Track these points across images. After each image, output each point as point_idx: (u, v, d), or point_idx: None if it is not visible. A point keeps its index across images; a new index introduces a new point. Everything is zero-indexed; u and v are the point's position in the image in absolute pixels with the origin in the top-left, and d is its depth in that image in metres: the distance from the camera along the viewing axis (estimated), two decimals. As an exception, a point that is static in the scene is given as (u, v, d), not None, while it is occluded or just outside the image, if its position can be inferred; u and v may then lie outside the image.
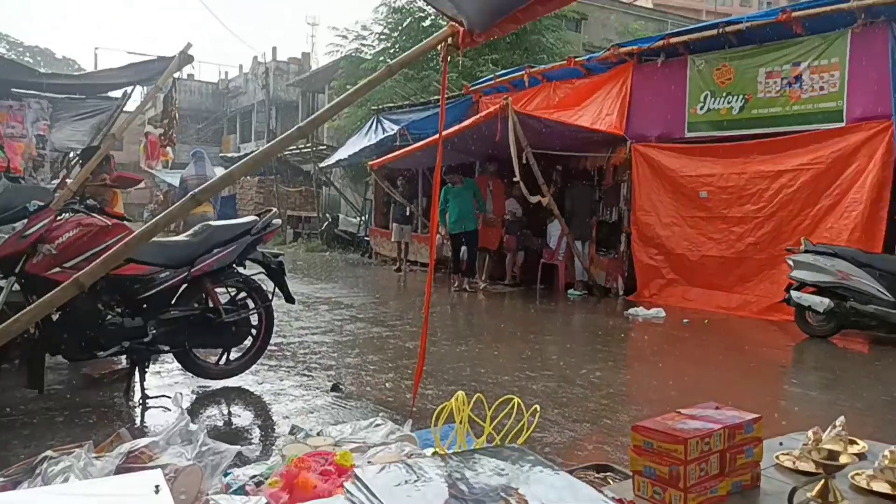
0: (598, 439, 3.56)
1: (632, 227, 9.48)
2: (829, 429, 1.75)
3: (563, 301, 9.44)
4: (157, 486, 1.14)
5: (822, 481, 1.42)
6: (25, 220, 3.56)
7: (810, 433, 1.67)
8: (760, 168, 8.11)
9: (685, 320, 7.62)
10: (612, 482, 1.94)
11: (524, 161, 8.60)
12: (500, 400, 2.57)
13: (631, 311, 8.06)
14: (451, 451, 2.12)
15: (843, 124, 7.50)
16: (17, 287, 3.61)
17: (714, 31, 8.43)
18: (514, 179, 8.81)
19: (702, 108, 8.85)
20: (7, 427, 3.45)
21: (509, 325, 7.57)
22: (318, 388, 4.34)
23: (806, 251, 6.78)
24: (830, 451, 1.47)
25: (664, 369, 5.54)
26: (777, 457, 1.66)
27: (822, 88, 7.68)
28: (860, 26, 7.26)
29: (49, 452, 2.12)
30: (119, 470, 1.99)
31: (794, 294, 6.76)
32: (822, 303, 6.51)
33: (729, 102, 8.55)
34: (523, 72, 11.51)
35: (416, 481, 1.34)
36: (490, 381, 4.67)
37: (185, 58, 6.15)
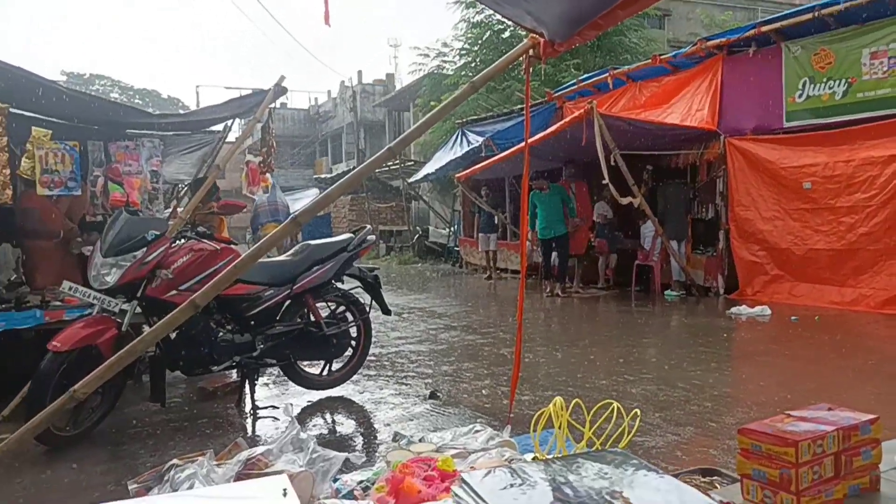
0: (703, 443, 3.44)
1: (730, 223, 9.11)
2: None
3: (660, 302, 9.18)
4: (284, 490, 1.23)
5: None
6: (144, 249, 3.85)
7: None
8: (870, 154, 7.61)
9: (793, 317, 7.23)
10: (718, 486, 1.89)
11: (613, 163, 8.46)
12: (599, 405, 2.55)
13: (733, 309, 7.73)
14: (552, 456, 2.13)
15: (963, 101, 6.92)
16: (138, 310, 3.91)
17: (810, 16, 8.02)
18: (604, 182, 8.68)
19: (800, 96, 8.41)
20: (134, 438, 3.75)
21: (605, 329, 7.44)
22: (416, 396, 4.44)
23: (927, 239, 6.29)
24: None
25: (772, 369, 5.27)
26: (899, 458, 1.57)
27: (935, 64, 7.14)
28: (977, -7, 6.71)
29: (175, 461, 2.29)
30: (239, 476, 2.13)
31: (915, 286, 6.28)
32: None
33: (830, 88, 8.09)
34: (606, 74, 11.35)
35: (521, 485, 1.37)
36: (587, 386, 4.61)
37: (279, 90, 6.48)
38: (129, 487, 2.26)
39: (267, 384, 4.89)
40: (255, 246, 3.15)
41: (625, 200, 8.94)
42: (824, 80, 8.14)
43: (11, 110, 4.86)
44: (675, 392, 4.41)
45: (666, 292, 9.57)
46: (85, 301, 4.01)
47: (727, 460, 2.98)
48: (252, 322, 4.22)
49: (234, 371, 4.43)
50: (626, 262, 10.47)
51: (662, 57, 10.45)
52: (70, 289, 3.92)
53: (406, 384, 4.81)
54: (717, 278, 9.34)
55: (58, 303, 4.85)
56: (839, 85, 8.00)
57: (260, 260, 3.52)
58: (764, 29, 8.60)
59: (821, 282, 8.14)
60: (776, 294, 8.46)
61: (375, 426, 3.88)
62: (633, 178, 8.89)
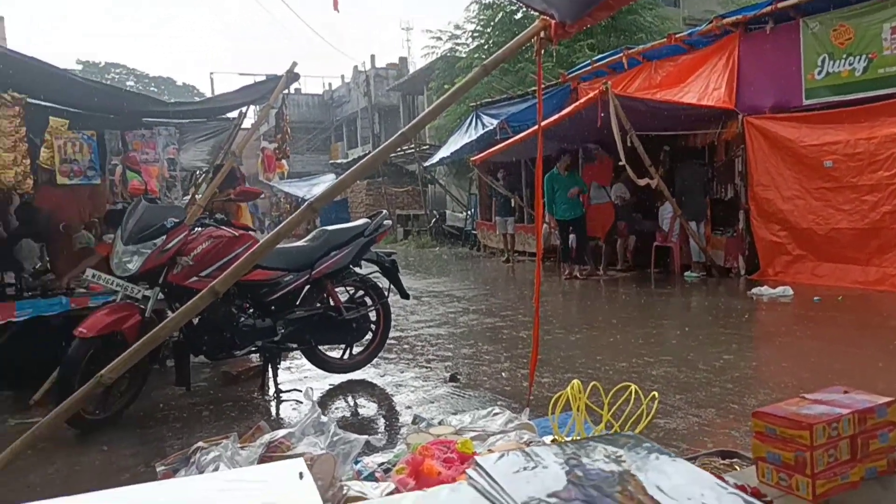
0: (725, 424, 3.44)
1: (750, 203, 9.01)
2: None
3: (679, 284, 9.13)
4: (300, 473, 1.26)
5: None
6: (164, 236, 3.90)
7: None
8: (892, 131, 7.46)
9: (816, 298, 7.15)
10: (738, 468, 1.89)
11: (629, 144, 8.38)
12: (618, 387, 2.57)
13: (755, 290, 7.67)
14: (568, 439, 2.15)
15: None
16: (161, 296, 3.98)
17: (828, -9, 7.85)
18: (620, 163, 8.61)
19: (820, 73, 8.26)
20: (161, 421, 3.84)
21: (624, 311, 7.42)
22: (436, 379, 4.49)
23: (952, 217, 6.19)
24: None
25: (795, 350, 5.24)
26: (917, 440, 1.57)
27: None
28: None
29: (200, 443, 2.35)
30: (262, 459, 2.18)
31: (940, 264, 6.19)
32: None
33: (850, 64, 7.93)
34: (621, 54, 11.20)
35: (534, 467, 1.39)
36: (607, 368, 4.63)
37: (292, 76, 6.51)
38: (157, 469, 2.32)
39: (289, 368, 4.96)
40: (273, 232, 3.18)
41: (642, 181, 8.87)
42: (844, 56, 7.98)
43: (28, 100, 4.92)
44: (696, 374, 4.40)
45: (686, 273, 9.51)
46: (108, 288, 4.09)
47: (749, 442, 2.98)
48: (272, 307, 4.28)
49: (257, 355, 4.49)
50: (645, 244, 10.41)
51: (678, 36, 10.30)
52: (93, 276, 4.00)
53: (426, 367, 4.85)
54: (738, 259, 9.26)
55: (83, 290, 4.95)
56: (859, 61, 7.84)
57: (278, 246, 3.56)
58: (781, 5, 8.43)
59: (844, 261, 8.03)
60: (798, 274, 8.38)
61: (396, 409, 3.93)
62: (650, 159, 8.80)
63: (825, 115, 8.20)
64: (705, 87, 9.56)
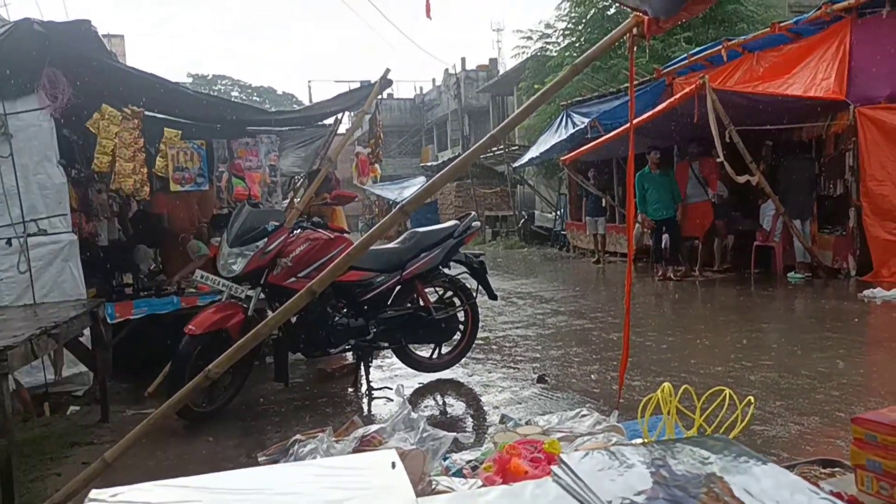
0: (830, 433, 3.27)
1: (862, 199, 8.42)
2: None
3: (782, 285, 8.67)
4: (393, 463, 1.32)
5: None
6: (265, 239, 4.13)
7: None
8: None
9: (936, 301, 6.63)
10: (839, 478, 1.81)
11: (728, 140, 8.05)
12: (711, 391, 2.49)
13: (866, 292, 7.19)
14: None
15: None
16: (262, 296, 4.21)
17: (953, -32, 7.25)
18: (718, 160, 8.29)
19: (945, 57, 7.64)
20: (261, 415, 4.05)
21: (720, 314, 7.14)
22: (524, 380, 4.49)
23: None
24: None
25: (911, 358, 4.90)
26: None
27: None
28: None
29: (298, 436, 2.48)
30: (355, 451, 2.28)
31: None
32: None
33: (978, 47, 7.29)
34: (720, 46, 10.76)
35: (619, 466, 1.39)
36: (701, 372, 4.48)
37: (385, 82, 6.70)
38: (259, 459, 2.48)
39: (380, 366, 5.11)
40: (367, 234, 3.29)
41: (742, 179, 8.49)
42: (971, 39, 7.35)
43: (146, 113, 5.31)
44: (799, 380, 4.19)
45: (789, 274, 9.02)
46: (215, 288, 4.36)
47: (853, 452, 2.82)
48: (365, 307, 4.43)
49: (350, 353, 4.66)
50: (745, 244, 9.95)
51: (782, 24, 9.79)
52: (202, 277, 4.28)
53: (514, 368, 4.87)
54: (848, 259, 8.69)
55: (192, 290, 5.30)
56: None
57: (371, 247, 3.69)
58: (900, -13, 7.87)
59: (968, 261, 7.40)
60: (916, 275, 7.78)
61: (484, 408, 3.97)
62: (751, 155, 8.41)
63: (950, 104, 7.58)
64: (812, 78, 9.03)
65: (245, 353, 3.21)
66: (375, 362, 5.06)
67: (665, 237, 9.84)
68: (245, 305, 4.06)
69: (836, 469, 1.94)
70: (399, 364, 4.78)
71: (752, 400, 2.37)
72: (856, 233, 8.57)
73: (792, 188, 9.07)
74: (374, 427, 2.39)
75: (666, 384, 2.45)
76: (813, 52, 9.20)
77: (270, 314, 3.83)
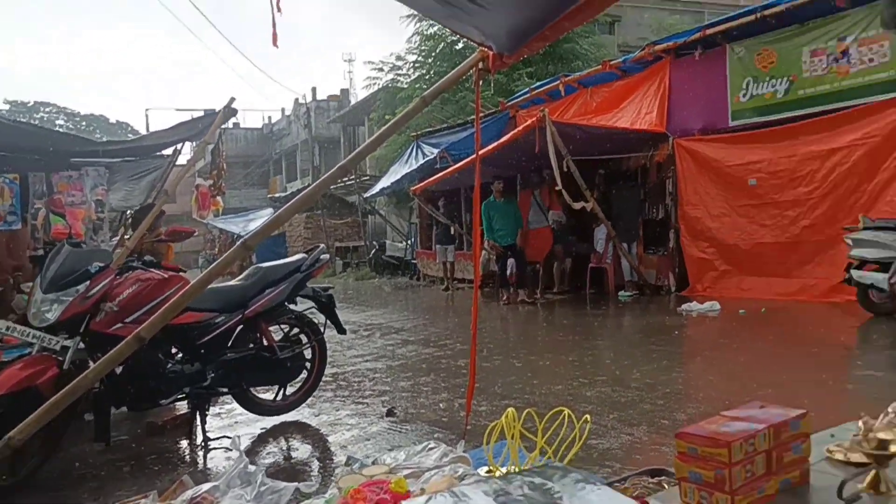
0: (657, 441, 3.50)
1: (680, 222, 9.32)
2: (882, 416, 1.68)
3: (614, 304, 9.32)
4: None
5: (874, 472, 1.38)
6: (87, 282, 3.72)
7: (860, 422, 1.60)
8: (811, 149, 7.89)
9: (741, 311, 7.42)
10: (666, 486, 1.91)
11: (566, 169, 8.58)
12: (551, 412, 2.57)
13: (684, 306, 7.89)
14: (499, 472, 2.13)
15: (896, 94, 7.22)
16: (82, 346, 3.78)
17: (752, 17, 8.30)
18: (557, 188, 8.80)
19: (745, 96, 8.68)
20: (78, 481, 3.54)
21: (560, 334, 7.51)
22: (373, 415, 4.40)
23: (865, 228, 6.54)
24: (880, 440, 1.42)
25: (722, 363, 5.41)
26: (828, 450, 1.61)
27: (871, 60, 7.45)
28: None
29: (118, 504, 2.22)
30: (184, 515, 2.08)
31: (854, 273, 6.51)
32: (885, 279, 6.24)
33: (773, 86, 8.37)
34: (558, 82, 11.51)
35: (462, 509, 1.37)
36: (543, 392, 4.65)
37: (230, 111, 6.44)
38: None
39: (219, 414, 4.77)
40: (205, 272, 3.08)
41: (577, 205, 9.07)
42: (767, 78, 8.41)
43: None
44: (629, 392, 4.47)
45: (620, 293, 9.73)
46: (24, 341, 3.86)
47: (679, 459, 3.02)
48: (202, 350, 4.12)
49: (185, 402, 4.30)
50: (581, 267, 10.61)
51: (612, 62, 10.67)
52: (7, 329, 3.78)
53: (363, 403, 4.76)
54: (669, 276, 9.54)
55: (-3, 343, 4.67)
56: (781, 83, 8.28)
57: (210, 286, 3.46)
58: (709, 32, 8.87)
59: (767, 274, 8.38)
60: (725, 289, 8.68)
61: (331, 449, 3.81)
62: (586, 183, 9.03)
63: (749, 136, 8.60)
64: (638, 112, 9.90)
65: (58, 413, 2.86)
66: (213, 409, 4.71)
67: (511, 262, 10.24)
68: (60, 358, 3.62)
69: (663, 478, 2.06)
70: (240, 409, 4.50)
71: (588, 418, 2.46)
72: (675, 252, 9.44)
73: (621, 213, 9.84)
74: (205, 486, 2.19)
75: (510, 409, 2.48)
76: (638, 89, 10.10)
77: (92, 365, 3.43)
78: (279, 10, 2.41)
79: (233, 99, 6.46)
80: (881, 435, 1.52)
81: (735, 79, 8.76)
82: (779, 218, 8.19)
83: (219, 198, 7.66)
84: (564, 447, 2.45)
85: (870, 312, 6.54)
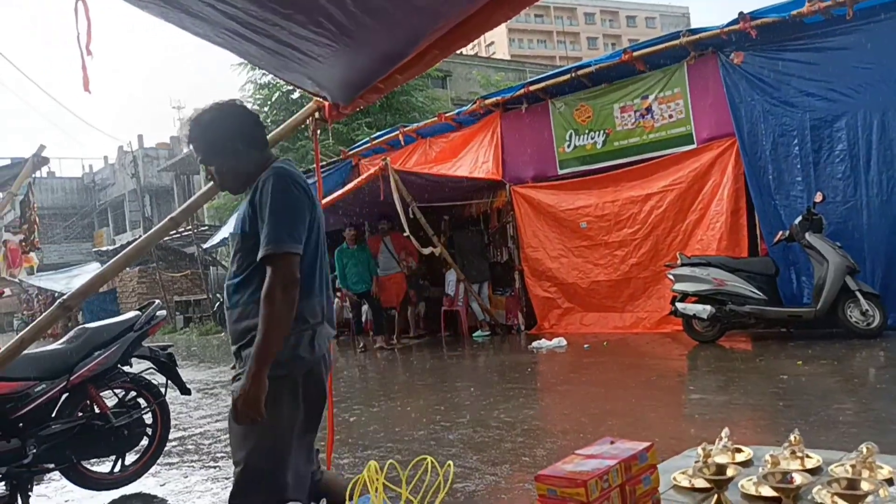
0: (520, 478, 3.58)
1: (523, 263, 9.78)
2: (717, 441, 1.84)
3: (468, 345, 9.53)
4: None
5: (716, 496, 1.50)
6: None
7: (700, 449, 1.75)
8: (630, 194, 8.65)
9: (586, 345, 7.88)
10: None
11: (412, 216, 8.73)
12: (414, 461, 2.54)
13: (534, 344, 8.25)
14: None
15: (694, 146, 8.15)
16: None
17: (568, 76, 9.00)
18: (405, 234, 8.92)
19: (569, 146, 9.37)
20: None
21: (419, 378, 7.53)
22: (226, 479, 4.10)
23: (683, 264, 7.27)
24: (718, 465, 1.55)
25: (573, 396, 5.70)
26: (674, 478, 1.72)
27: (671, 116, 8.36)
28: (693, 58, 7.99)
29: None
30: None
31: (678, 305, 7.19)
32: (704, 310, 6.96)
33: (592, 138, 9.12)
34: (397, 132, 11.75)
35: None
36: (406, 439, 4.61)
37: (40, 159, 5.89)
38: None
39: (44, 494, 4.23)
40: (16, 337, 2.74)
41: (426, 250, 9.25)
42: (587, 131, 9.16)
43: None
44: (489, 432, 4.55)
45: (474, 334, 9.98)
46: None
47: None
48: (20, 424, 3.66)
49: (2, 484, 3.77)
50: (435, 310, 10.78)
51: (447, 115, 11.10)
52: None
53: (214, 467, 4.44)
54: (518, 316, 9.95)
55: None
56: (599, 135, 9.06)
57: (26, 352, 3.09)
58: (532, 88, 9.50)
59: (605, 310, 9.00)
60: (569, 325, 9.20)
61: None
62: (433, 229, 9.24)
63: (577, 183, 9.28)
64: (475, 161, 10.34)
65: None
66: (39, 489, 4.17)
67: (365, 309, 10.16)
68: None
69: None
70: (71, 486, 4.02)
71: (451, 464, 2.46)
72: (521, 293, 9.88)
73: (468, 256, 10.17)
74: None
75: (372, 462, 2.42)
76: (474, 139, 10.57)
77: None
78: (89, 53, 2.26)
79: (42, 147, 5.94)
80: (719, 460, 1.66)
81: (559, 131, 9.45)
82: (609, 257, 8.87)
83: (32, 254, 6.92)
84: (431, 493, 2.44)
85: (695, 340, 7.24)
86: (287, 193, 2.13)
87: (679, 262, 7.33)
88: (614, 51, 9.28)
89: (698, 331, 7.23)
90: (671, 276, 7.30)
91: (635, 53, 8.33)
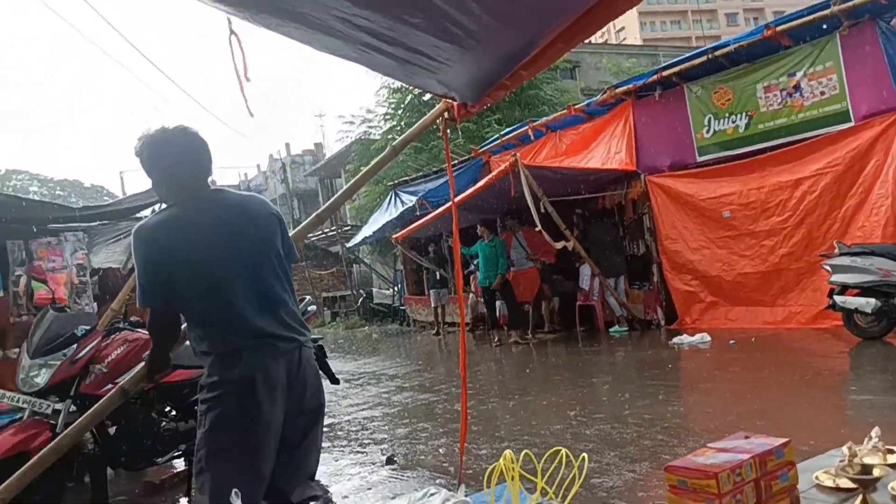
0: (659, 476, 3.48)
1: (661, 256, 9.45)
2: (866, 441, 1.74)
3: (605, 340, 9.36)
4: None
5: (861, 496, 1.43)
6: (75, 346, 3.73)
7: (845, 448, 1.66)
8: (778, 179, 8.09)
9: (732, 341, 7.48)
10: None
11: (543, 210, 8.72)
12: (549, 452, 2.59)
13: (675, 339, 7.95)
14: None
15: (852, 124, 7.47)
16: (73, 409, 3.75)
17: (704, 58, 8.57)
18: (537, 229, 8.93)
19: (708, 132, 8.93)
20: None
21: (555, 373, 7.52)
22: (373, 464, 4.38)
23: (841, 254, 6.69)
24: (864, 465, 1.48)
25: (718, 395, 5.44)
26: (817, 476, 1.65)
27: (822, 93, 7.71)
28: (847, 28, 7.33)
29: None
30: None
31: (837, 298, 6.63)
32: (868, 303, 6.37)
33: (733, 122, 8.62)
34: (526, 127, 11.75)
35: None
36: (542, 432, 4.65)
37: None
38: None
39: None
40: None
41: (559, 245, 9.20)
42: (727, 115, 8.67)
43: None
44: (628, 429, 4.48)
45: (610, 329, 9.78)
46: (14, 406, 3.83)
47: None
48: (195, 407, 4.10)
49: (182, 460, 4.26)
50: (569, 305, 10.68)
51: (576, 106, 10.94)
52: (-1, 395, 3.75)
53: (362, 452, 4.74)
54: (657, 310, 9.62)
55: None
56: (741, 119, 8.54)
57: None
58: (666, 73, 9.14)
59: (753, 304, 8.48)
60: (713, 320, 8.76)
61: (333, 500, 3.79)
62: (565, 223, 9.17)
63: (718, 170, 8.81)
64: (608, 152, 10.12)
65: (55, 474, 2.83)
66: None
67: (499, 304, 10.29)
68: (53, 422, 3.60)
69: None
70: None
71: (586, 457, 2.49)
72: (660, 286, 9.55)
73: (602, 250, 9.96)
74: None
75: (507, 451, 2.51)
76: (605, 130, 10.35)
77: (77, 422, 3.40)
78: (247, 78, 2.51)
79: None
80: (866, 460, 1.58)
81: (696, 116, 9.01)
82: (757, 248, 8.35)
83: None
84: (565, 487, 2.48)
85: (858, 336, 6.62)
86: (135, 253, 2.32)
87: (837, 251, 6.74)
88: (756, 27, 8.69)
89: (861, 326, 6.62)
90: (827, 267, 6.75)
91: (779, 28, 7.77)
